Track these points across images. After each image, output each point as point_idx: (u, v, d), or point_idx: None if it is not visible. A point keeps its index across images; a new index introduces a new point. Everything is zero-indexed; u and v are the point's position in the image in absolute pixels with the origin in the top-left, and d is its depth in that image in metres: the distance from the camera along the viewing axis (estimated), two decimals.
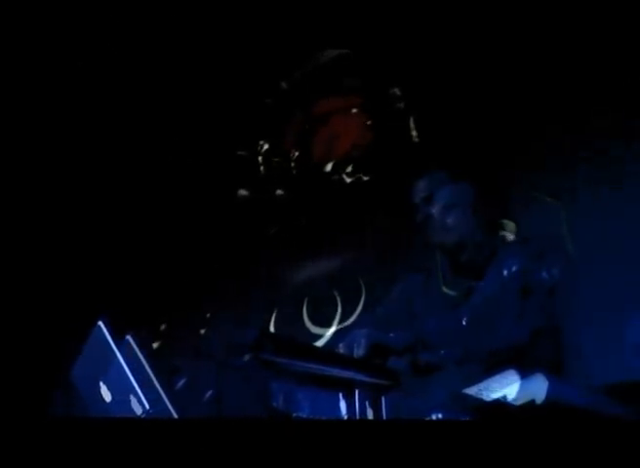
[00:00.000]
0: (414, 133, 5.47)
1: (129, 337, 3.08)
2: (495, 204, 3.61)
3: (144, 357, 3.06)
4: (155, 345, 5.70)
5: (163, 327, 5.89)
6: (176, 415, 2.94)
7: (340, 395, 2.81)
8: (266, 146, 5.87)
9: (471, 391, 2.82)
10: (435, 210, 3.35)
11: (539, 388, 2.72)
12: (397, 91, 5.55)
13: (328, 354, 3.02)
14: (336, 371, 2.83)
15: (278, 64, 5.69)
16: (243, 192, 5.86)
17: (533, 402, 2.69)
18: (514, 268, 3.19)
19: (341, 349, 2.98)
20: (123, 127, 5.71)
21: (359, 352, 2.98)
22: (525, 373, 2.79)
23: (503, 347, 3.09)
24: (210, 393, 2.90)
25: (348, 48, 5.52)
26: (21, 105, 5.47)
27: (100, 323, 3.13)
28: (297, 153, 5.81)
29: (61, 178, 5.75)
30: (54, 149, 5.65)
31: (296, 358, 2.82)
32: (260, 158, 5.89)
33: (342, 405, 2.80)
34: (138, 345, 3.06)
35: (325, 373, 2.82)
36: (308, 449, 2.33)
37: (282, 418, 2.76)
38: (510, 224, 3.54)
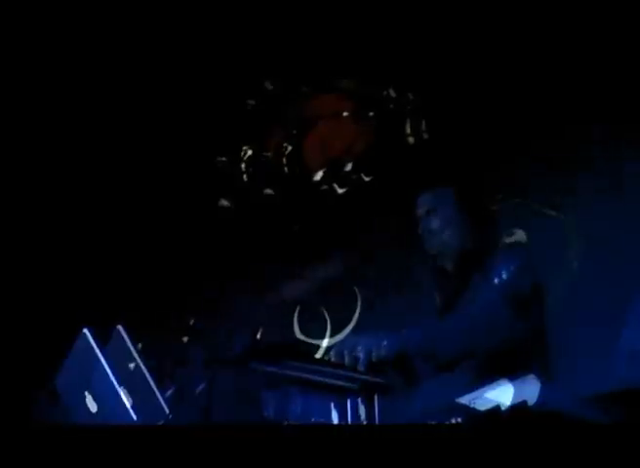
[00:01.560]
0: (410, 139, 5.65)
1: (119, 327, 3.29)
2: (495, 214, 3.89)
3: (134, 348, 3.28)
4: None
5: (140, 345, 6.01)
6: (167, 409, 3.15)
7: (332, 404, 3.04)
8: (250, 152, 6.03)
9: (464, 400, 3.05)
10: (435, 223, 3.65)
11: (531, 390, 2.97)
12: (392, 92, 5.74)
13: (319, 362, 3.22)
14: (327, 379, 3.05)
15: (262, 64, 5.86)
16: (225, 202, 6.00)
17: (525, 402, 2.92)
18: (504, 276, 3.45)
19: (333, 357, 3.18)
20: (115, 128, 5.88)
21: (351, 361, 3.19)
22: (516, 382, 3.03)
23: (493, 354, 3.35)
24: (199, 393, 3.11)
25: (339, 49, 5.68)
26: (18, 105, 5.66)
27: (86, 330, 3.35)
28: (285, 159, 5.94)
29: (53, 183, 5.91)
30: (36, 154, 5.83)
31: (286, 366, 3.05)
32: (242, 165, 6.05)
33: (334, 413, 3.02)
34: (128, 336, 3.27)
35: (316, 381, 3.04)
36: (299, 458, 2.54)
37: (273, 426, 2.97)
38: (520, 233, 3.80)
